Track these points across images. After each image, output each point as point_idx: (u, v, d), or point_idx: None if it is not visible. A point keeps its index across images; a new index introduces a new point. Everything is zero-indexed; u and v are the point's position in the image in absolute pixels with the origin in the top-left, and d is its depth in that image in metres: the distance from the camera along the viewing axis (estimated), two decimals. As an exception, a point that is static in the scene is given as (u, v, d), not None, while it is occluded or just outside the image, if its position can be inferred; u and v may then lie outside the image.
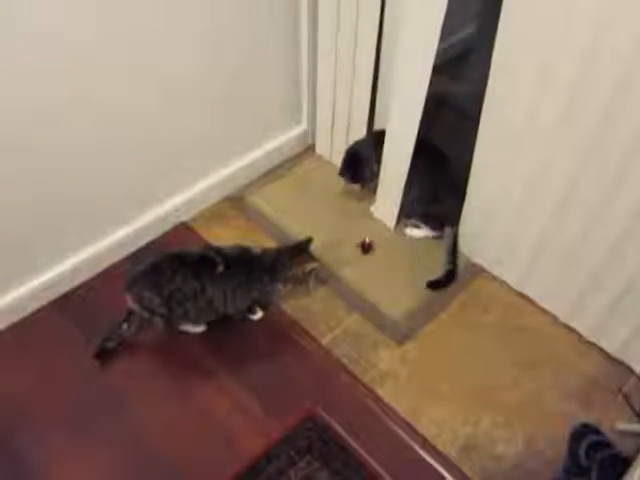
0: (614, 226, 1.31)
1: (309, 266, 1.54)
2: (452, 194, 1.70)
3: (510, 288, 1.66)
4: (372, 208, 1.87)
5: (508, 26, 1.25)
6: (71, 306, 1.63)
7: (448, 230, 1.72)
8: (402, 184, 1.71)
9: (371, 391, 1.46)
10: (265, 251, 1.53)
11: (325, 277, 1.68)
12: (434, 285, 1.63)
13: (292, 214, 1.84)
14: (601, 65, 1.14)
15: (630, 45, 1.08)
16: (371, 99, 1.78)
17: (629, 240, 1.30)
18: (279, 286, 1.53)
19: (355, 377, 1.48)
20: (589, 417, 1.38)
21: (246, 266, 1.47)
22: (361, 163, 1.80)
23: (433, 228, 1.77)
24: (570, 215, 1.39)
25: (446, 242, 1.71)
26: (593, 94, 1.18)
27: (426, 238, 1.78)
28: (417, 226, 1.79)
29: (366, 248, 1.75)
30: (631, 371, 1.47)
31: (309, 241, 1.55)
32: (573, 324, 1.56)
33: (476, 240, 1.68)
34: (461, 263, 1.69)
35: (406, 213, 1.78)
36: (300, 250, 1.54)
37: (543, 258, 1.52)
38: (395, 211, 1.79)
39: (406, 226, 1.81)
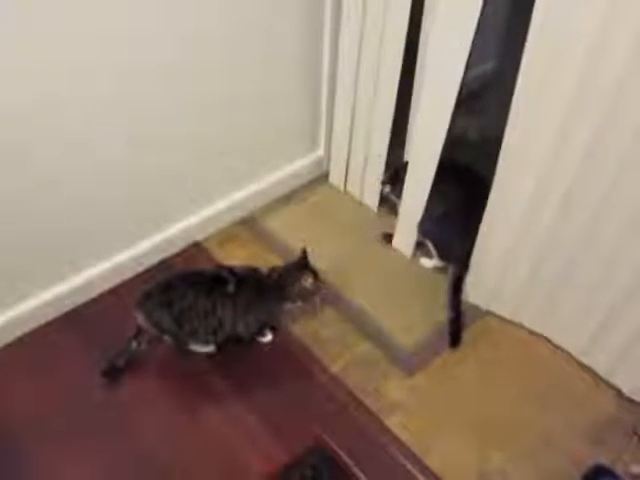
0: (630, 268, 1.30)
1: (315, 280, 1.51)
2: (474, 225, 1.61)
3: (523, 325, 1.64)
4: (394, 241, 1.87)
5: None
6: (81, 322, 1.62)
7: (450, 268, 1.68)
8: (420, 214, 1.71)
9: (380, 421, 1.43)
10: (272, 269, 1.52)
11: (331, 296, 1.68)
12: (453, 341, 1.58)
13: (305, 239, 1.84)
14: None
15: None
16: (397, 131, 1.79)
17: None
18: (288, 304, 1.52)
19: (364, 406, 1.46)
20: (602, 458, 1.34)
21: (256, 286, 1.46)
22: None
23: (442, 257, 1.73)
24: (585, 266, 1.38)
25: (448, 281, 1.66)
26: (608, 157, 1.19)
27: (438, 268, 1.76)
28: (429, 255, 1.77)
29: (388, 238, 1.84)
30: (645, 410, 1.44)
31: (305, 252, 1.52)
32: (587, 362, 1.53)
33: (488, 292, 1.64)
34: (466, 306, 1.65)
35: (426, 233, 1.74)
36: (302, 265, 1.52)
37: (559, 299, 1.50)
38: (412, 241, 1.79)
39: (420, 255, 1.80)
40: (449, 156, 1.62)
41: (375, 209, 1.99)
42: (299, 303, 1.54)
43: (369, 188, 1.98)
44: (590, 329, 1.47)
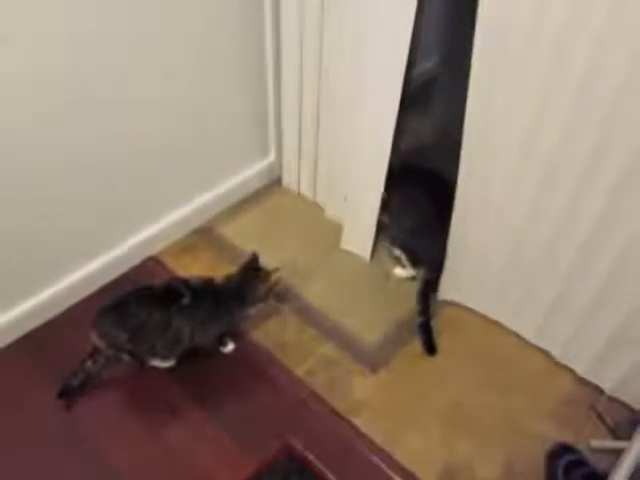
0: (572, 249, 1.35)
1: (272, 279, 1.53)
2: (442, 229, 1.59)
3: (480, 313, 1.67)
4: (342, 242, 1.87)
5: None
6: (36, 345, 1.57)
7: (419, 274, 1.66)
8: (375, 213, 1.71)
9: (347, 421, 1.43)
10: (228, 278, 1.50)
11: (290, 300, 1.69)
12: (428, 349, 1.57)
13: (262, 245, 1.82)
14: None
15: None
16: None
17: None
18: (250, 311, 1.52)
19: (330, 407, 1.45)
20: (564, 437, 1.38)
21: (213, 296, 1.45)
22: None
23: (414, 265, 1.71)
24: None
25: (417, 286, 1.64)
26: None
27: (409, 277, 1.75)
28: (403, 265, 1.76)
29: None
30: (601, 391, 1.48)
31: (256, 256, 1.53)
32: (542, 345, 1.57)
33: (465, 287, 1.64)
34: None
35: (396, 243, 1.74)
36: (255, 267, 1.52)
37: (509, 282, 1.54)
38: (369, 243, 1.80)
39: (394, 265, 1.79)
40: (410, 163, 1.65)
41: (329, 209, 2.00)
42: (259, 306, 1.54)
43: (322, 190, 1.98)
44: (540, 312, 1.51)
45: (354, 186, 1.73)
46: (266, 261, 1.54)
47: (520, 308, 1.56)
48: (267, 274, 1.52)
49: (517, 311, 1.57)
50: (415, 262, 1.71)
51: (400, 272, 1.78)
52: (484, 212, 1.45)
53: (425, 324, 1.58)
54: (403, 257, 1.73)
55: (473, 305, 1.67)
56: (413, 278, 1.73)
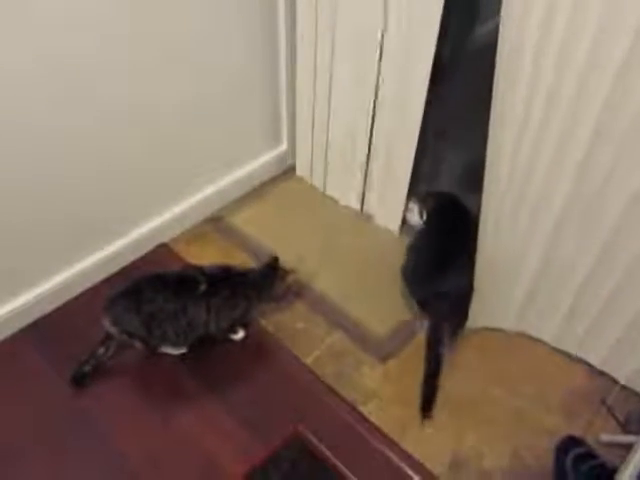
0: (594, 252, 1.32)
1: (289, 279, 1.55)
2: (462, 272, 1.45)
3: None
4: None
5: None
6: (46, 331, 1.59)
7: (426, 322, 1.50)
8: (408, 176, 1.69)
9: (356, 410, 1.43)
10: (248, 270, 1.52)
11: (301, 289, 1.69)
12: (425, 410, 1.42)
13: (273, 234, 1.84)
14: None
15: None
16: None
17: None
18: (264, 305, 1.54)
19: (339, 396, 1.46)
20: (574, 430, 1.37)
21: (230, 284, 1.45)
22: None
23: (418, 304, 1.55)
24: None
25: (426, 335, 1.48)
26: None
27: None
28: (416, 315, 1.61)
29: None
30: (614, 382, 1.48)
31: (276, 257, 1.55)
32: (560, 345, 1.55)
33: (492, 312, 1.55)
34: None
35: (406, 281, 1.59)
36: (275, 268, 1.54)
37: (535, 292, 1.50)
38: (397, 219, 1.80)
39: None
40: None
41: (342, 199, 2.00)
42: (274, 304, 1.57)
43: (334, 179, 1.98)
44: (560, 315, 1.49)
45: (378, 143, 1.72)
46: (277, 248, 1.56)
47: (542, 314, 1.53)
48: (285, 273, 1.54)
49: (540, 317, 1.55)
50: (419, 304, 1.56)
51: (417, 325, 1.61)
52: (515, 221, 1.37)
53: (432, 379, 1.44)
54: (415, 305, 1.58)
55: (499, 325, 1.60)
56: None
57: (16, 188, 1.41)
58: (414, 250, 1.60)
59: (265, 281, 1.51)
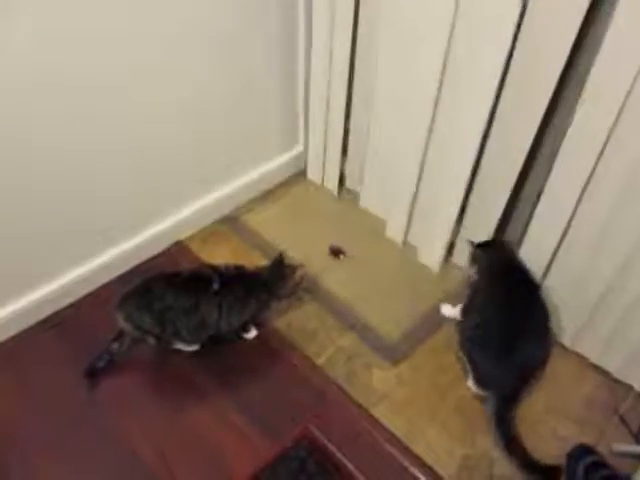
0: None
1: (297, 276, 1.56)
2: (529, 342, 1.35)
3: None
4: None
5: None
6: (61, 326, 1.60)
7: (492, 400, 1.37)
8: (454, 216, 1.63)
9: (366, 412, 1.43)
10: (259, 269, 1.53)
11: (314, 290, 1.71)
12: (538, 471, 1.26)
13: (287, 235, 1.85)
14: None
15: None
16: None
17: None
18: (275, 302, 1.55)
19: (350, 398, 1.46)
20: (586, 439, 1.36)
21: (242, 283, 1.47)
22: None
23: (479, 383, 1.41)
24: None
25: (491, 407, 1.36)
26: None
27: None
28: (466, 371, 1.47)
29: (336, 252, 1.80)
30: (627, 392, 1.46)
31: (282, 254, 1.55)
32: (577, 349, 1.55)
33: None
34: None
35: (460, 344, 1.48)
36: (283, 265, 1.55)
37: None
38: (440, 254, 1.75)
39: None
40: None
41: (355, 203, 2.01)
42: (285, 301, 1.58)
43: (350, 182, 1.99)
44: (579, 320, 1.49)
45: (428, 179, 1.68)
46: (291, 250, 1.57)
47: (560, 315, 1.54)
48: (293, 270, 1.55)
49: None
50: (483, 382, 1.41)
51: (470, 383, 1.45)
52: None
53: (515, 447, 1.30)
54: (467, 364, 1.45)
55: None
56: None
57: (34, 183, 1.43)
58: (472, 315, 1.46)
59: (274, 278, 1.53)
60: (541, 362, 1.42)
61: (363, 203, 1.98)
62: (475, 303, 1.48)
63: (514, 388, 1.37)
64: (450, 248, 1.76)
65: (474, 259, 1.56)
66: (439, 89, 1.48)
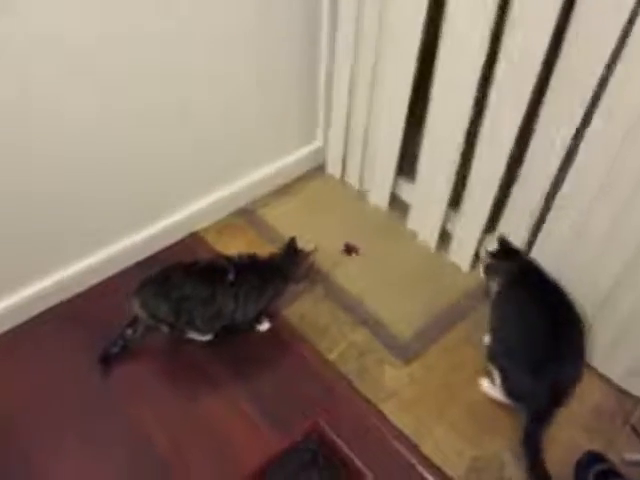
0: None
1: (310, 259, 1.60)
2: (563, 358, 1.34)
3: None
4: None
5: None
6: (77, 311, 1.62)
7: (523, 414, 1.34)
8: (485, 215, 1.63)
9: (376, 409, 1.44)
10: (272, 255, 1.55)
11: (328, 285, 1.72)
12: None
13: (302, 230, 1.84)
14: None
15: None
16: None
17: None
18: (290, 286, 1.57)
19: (360, 394, 1.47)
20: (596, 447, 1.35)
21: (257, 272, 1.48)
22: None
23: (509, 394, 1.38)
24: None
25: (523, 425, 1.33)
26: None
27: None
28: (493, 382, 1.44)
29: (350, 250, 1.80)
30: (637, 401, 1.45)
31: (294, 239, 1.58)
32: None
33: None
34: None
35: (491, 357, 1.44)
36: (295, 249, 1.57)
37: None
38: (436, 231, 1.78)
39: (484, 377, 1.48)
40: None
41: (372, 199, 2.00)
42: (299, 284, 1.61)
43: (368, 179, 1.98)
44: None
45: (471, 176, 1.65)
46: (305, 244, 1.58)
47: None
48: (306, 255, 1.57)
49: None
50: (513, 393, 1.38)
51: (488, 388, 1.46)
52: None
53: (539, 469, 1.26)
54: (496, 376, 1.42)
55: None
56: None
57: (49, 168, 1.44)
58: (501, 329, 1.44)
59: (288, 264, 1.54)
60: (574, 382, 1.39)
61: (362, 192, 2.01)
62: (504, 314, 1.45)
63: (547, 405, 1.34)
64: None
65: (493, 270, 1.54)
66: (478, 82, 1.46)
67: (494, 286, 1.53)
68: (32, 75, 1.27)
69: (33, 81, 1.28)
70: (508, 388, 1.37)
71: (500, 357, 1.41)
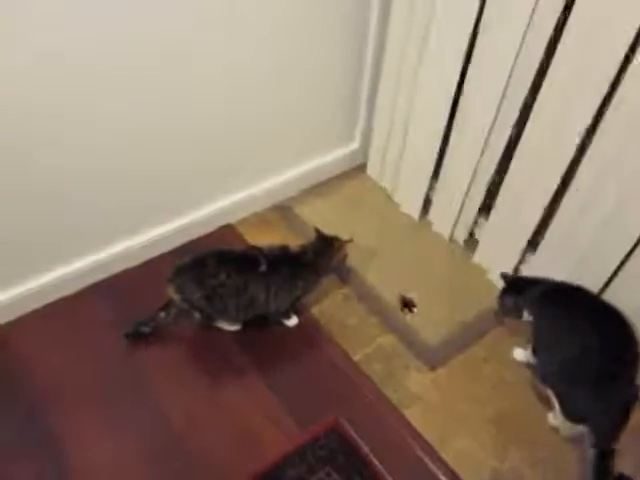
0: None
1: (344, 249, 1.57)
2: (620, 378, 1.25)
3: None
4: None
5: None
6: (113, 291, 1.67)
7: (591, 450, 1.23)
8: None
9: (399, 412, 1.43)
10: (303, 247, 1.54)
11: (358, 288, 1.71)
12: None
13: (335, 229, 1.85)
14: None
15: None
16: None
17: None
18: (323, 277, 1.57)
19: (384, 396, 1.46)
20: (622, 463, 1.30)
21: (288, 265, 1.49)
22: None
23: (569, 417, 1.31)
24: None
25: (589, 459, 1.23)
26: None
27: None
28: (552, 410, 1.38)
29: (407, 305, 1.67)
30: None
31: (318, 229, 1.58)
32: None
33: None
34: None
35: (545, 380, 1.37)
36: (327, 241, 1.56)
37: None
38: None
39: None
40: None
41: (404, 205, 1.99)
42: (332, 274, 1.61)
43: (405, 185, 1.98)
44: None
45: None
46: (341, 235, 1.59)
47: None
48: (341, 244, 1.56)
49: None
50: (573, 415, 1.31)
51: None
52: None
53: None
54: (553, 398, 1.34)
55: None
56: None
57: (99, 150, 1.48)
58: (548, 350, 1.37)
59: (320, 255, 1.53)
60: (637, 398, 1.29)
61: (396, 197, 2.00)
62: (551, 335, 1.38)
63: (613, 422, 1.24)
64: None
65: (512, 306, 1.46)
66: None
67: (525, 315, 1.45)
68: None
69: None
70: (568, 409, 1.30)
71: (555, 378, 1.34)
